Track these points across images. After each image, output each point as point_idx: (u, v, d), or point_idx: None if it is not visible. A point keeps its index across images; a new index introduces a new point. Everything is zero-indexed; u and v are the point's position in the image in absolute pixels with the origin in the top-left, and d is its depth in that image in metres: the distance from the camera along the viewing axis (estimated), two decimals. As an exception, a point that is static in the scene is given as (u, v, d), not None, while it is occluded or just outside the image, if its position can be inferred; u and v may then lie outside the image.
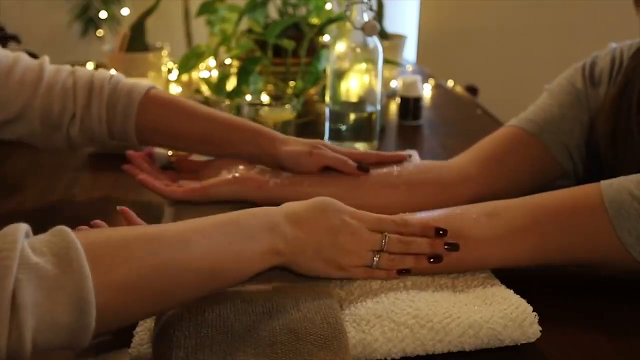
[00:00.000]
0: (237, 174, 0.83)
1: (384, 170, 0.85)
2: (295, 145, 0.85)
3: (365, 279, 0.65)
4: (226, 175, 0.84)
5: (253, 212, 0.61)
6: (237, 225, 0.58)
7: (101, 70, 0.89)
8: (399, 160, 0.87)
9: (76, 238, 0.48)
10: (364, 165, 0.84)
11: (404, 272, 0.66)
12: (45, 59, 0.88)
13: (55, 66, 0.88)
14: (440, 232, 0.66)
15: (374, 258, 0.65)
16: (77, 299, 0.46)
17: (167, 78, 1.48)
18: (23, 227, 0.47)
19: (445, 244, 0.66)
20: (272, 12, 1.40)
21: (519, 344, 0.60)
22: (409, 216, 0.69)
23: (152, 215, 0.86)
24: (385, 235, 0.65)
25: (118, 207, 0.72)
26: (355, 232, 0.64)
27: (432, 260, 0.66)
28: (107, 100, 0.86)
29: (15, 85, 0.84)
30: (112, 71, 0.91)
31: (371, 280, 0.66)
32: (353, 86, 1.10)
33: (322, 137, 1.15)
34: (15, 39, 1.59)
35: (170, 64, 1.50)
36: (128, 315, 0.52)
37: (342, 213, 0.64)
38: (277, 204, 0.68)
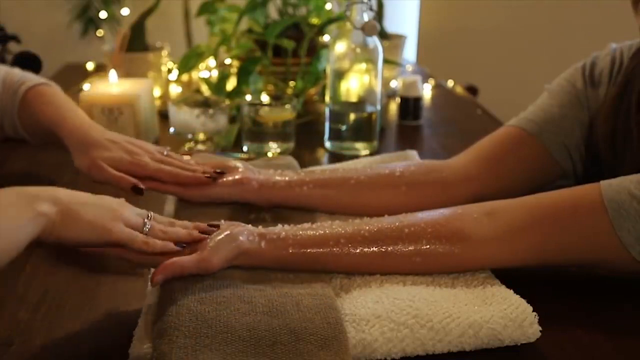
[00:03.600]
0: (237, 177, 0.83)
1: (386, 171, 0.85)
2: (113, 150, 0.82)
3: (144, 248, 0.63)
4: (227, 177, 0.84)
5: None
6: None
7: (15, 69, 0.95)
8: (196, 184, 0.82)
9: None
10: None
11: (184, 246, 0.65)
12: None
13: None
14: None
15: (145, 220, 0.64)
16: None
17: (167, 78, 1.48)
18: None
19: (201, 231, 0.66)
20: (272, 12, 1.40)
21: (519, 344, 0.60)
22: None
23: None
24: (149, 216, 0.66)
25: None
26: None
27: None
28: (11, 95, 0.91)
29: None
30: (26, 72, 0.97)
31: (371, 280, 0.66)
32: (353, 86, 1.10)
33: (322, 137, 1.16)
34: (15, 39, 1.59)
35: (170, 64, 1.50)
36: None
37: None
38: (278, 207, 0.69)
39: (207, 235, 0.66)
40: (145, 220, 0.65)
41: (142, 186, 0.78)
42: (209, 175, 0.81)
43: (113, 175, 0.79)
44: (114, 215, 0.62)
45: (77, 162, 0.83)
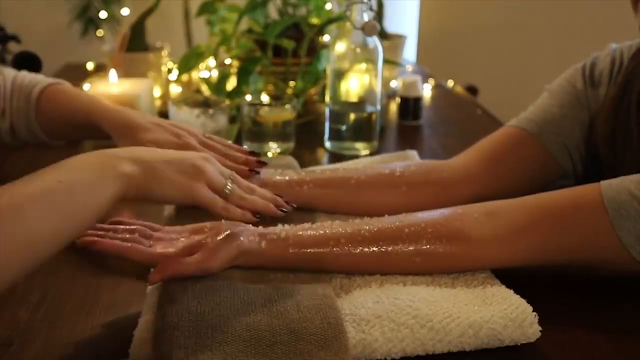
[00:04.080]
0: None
1: (386, 171, 0.85)
2: (158, 132, 0.82)
3: (223, 213, 0.67)
4: None
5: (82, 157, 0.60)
6: (71, 175, 0.58)
7: (23, 72, 0.93)
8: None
9: None
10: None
11: (257, 217, 0.69)
12: None
13: None
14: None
15: (227, 183, 0.67)
16: None
17: (167, 78, 1.48)
18: None
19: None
20: (272, 12, 1.40)
21: (519, 344, 0.60)
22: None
23: (152, 213, 0.86)
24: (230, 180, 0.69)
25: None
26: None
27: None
28: (25, 97, 0.89)
29: None
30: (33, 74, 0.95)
31: (371, 280, 0.66)
32: (353, 86, 1.10)
33: (322, 137, 1.16)
34: (15, 39, 1.59)
35: (170, 64, 1.50)
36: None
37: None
38: None
39: (282, 212, 0.70)
40: (227, 182, 0.67)
41: None
42: (250, 164, 0.82)
43: (205, 145, 0.81)
44: (197, 174, 0.64)
45: (121, 146, 0.81)
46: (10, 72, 0.92)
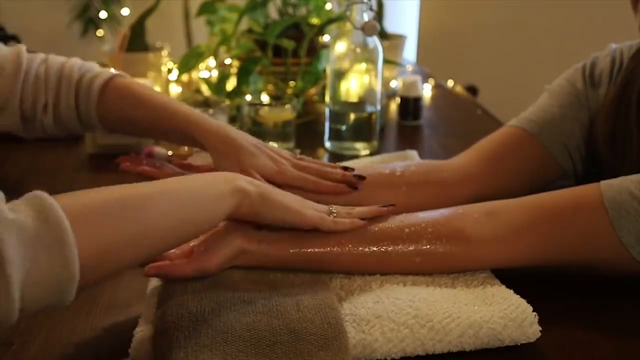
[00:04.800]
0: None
1: (386, 171, 0.85)
2: (261, 158, 0.81)
3: (333, 228, 0.67)
4: None
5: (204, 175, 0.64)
6: (195, 180, 0.61)
7: (74, 59, 0.89)
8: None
9: (50, 197, 0.49)
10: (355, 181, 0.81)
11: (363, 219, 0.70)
12: (22, 47, 0.87)
13: (30, 54, 0.87)
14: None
15: (331, 208, 0.70)
16: (60, 249, 0.47)
17: (167, 78, 1.48)
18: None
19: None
20: (272, 12, 1.40)
21: (519, 344, 0.60)
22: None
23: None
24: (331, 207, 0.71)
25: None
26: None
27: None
28: (75, 88, 0.86)
29: None
30: (89, 62, 0.90)
31: (371, 280, 0.66)
32: (353, 86, 1.10)
33: (322, 137, 1.16)
34: (15, 39, 1.59)
35: (170, 64, 1.50)
36: (109, 267, 0.53)
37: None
38: None
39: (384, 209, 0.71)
40: (330, 208, 0.70)
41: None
42: (349, 182, 0.81)
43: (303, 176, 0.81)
44: (303, 203, 0.68)
45: (223, 168, 0.80)
46: (55, 62, 0.87)
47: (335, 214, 0.69)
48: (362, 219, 0.70)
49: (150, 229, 0.55)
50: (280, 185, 0.76)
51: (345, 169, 0.83)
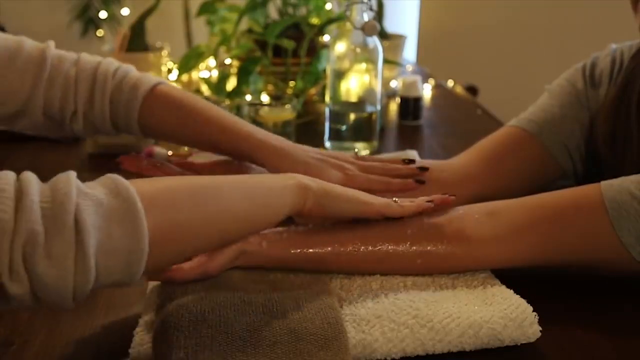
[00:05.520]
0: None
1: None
2: (325, 172, 0.79)
3: (398, 213, 0.68)
4: None
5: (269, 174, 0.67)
6: (260, 177, 0.64)
7: (108, 60, 0.85)
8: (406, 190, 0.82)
9: (123, 178, 0.52)
10: (420, 179, 0.82)
11: (428, 202, 0.70)
12: (50, 44, 0.82)
13: (58, 53, 0.82)
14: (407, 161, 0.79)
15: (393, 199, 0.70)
16: (132, 223, 0.49)
17: (167, 78, 1.48)
18: (73, 173, 0.51)
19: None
20: (272, 12, 1.40)
21: (519, 344, 0.60)
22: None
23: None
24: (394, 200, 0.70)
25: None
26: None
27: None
28: (111, 95, 0.82)
29: (17, 75, 0.78)
30: (125, 64, 0.86)
31: (371, 280, 0.66)
32: (353, 86, 1.10)
33: (322, 137, 1.16)
34: (15, 39, 1.59)
35: (170, 64, 1.50)
36: (175, 252, 0.56)
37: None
38: None
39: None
40: (394, 199, 0.70)
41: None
42: (414, 175, 0.82)
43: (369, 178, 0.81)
44: (366, 194, 0.69)
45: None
46: (88, 64, 0.83)
47: (396, 200, 0.70)
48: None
49: (218, 216, 0.58)
50: None
51: (408, 162, 0.84)
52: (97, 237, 0.47)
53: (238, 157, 0.84)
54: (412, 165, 0.84)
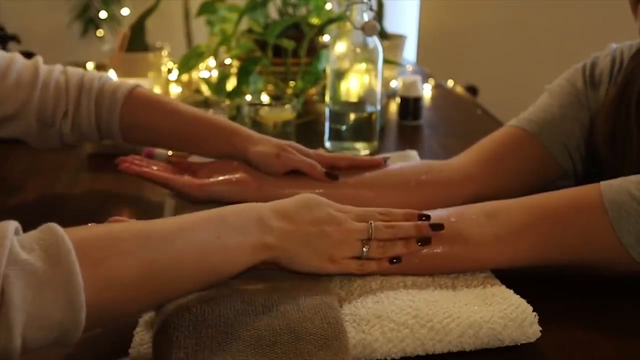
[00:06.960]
0: (237, 175, 0.83)
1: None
2: (264, 146, 0.85)
3: (359, 273, 0.65)
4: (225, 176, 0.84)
5: (239, 207, 0.61)
6: (223, 219, 0.59)
7: (90, 71, 0.93)
8: (373, 166, 0.86)
9: (65, 234, 0.48)
10: (332, 173, 0.84)
11: (395, 261, 0.65)
12: (39, 59, 0.90)
13: (47, 66, 0.91)
14: (424, 217, 0.68)
15: (364, 248, 0.65)
16: (67, 295, 0.46)
17: (167, 78, 1.48)
18: (12, 224, 0.48)
19: (430, 224, 0.67)
20: (272, 12, 1.40)
21: (519, 344, 0.60)
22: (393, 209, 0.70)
23: (152, 214, 0.86)
24: (371, 223, 0.65)
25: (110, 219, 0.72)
26: (341, 223, 0.64)
27: (420, 243, 0.66)
28: (96, 98, 0.89)
29: (11, 86, 0.86)
30: (106, 73, 0.94)
31: (371, 280, 0.66)
32: (353, 86, 1.10)
33: (322, 137, 1.16)
34: (15, 39, 1.59)
35: (170, 64, 1.50)
36: (117, 312, 0.52)
37: (327, 207, 0.65)
38: None
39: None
40: (370, 224, 0.65)
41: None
42: (329, 173, 0.84)
43: (303, 159, 0.84)
44: (331, 254, 0.64)
45: (264, 154, 0.85)
46: (75, 73, 0.91)
47: (365, 252, 0.65)
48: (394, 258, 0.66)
49: (162, 274, 0.54)
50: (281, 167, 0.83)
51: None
52: (27, 311, 0.45)
53: (205, 147, 0.89)
54: (377, 157, 0.88)
